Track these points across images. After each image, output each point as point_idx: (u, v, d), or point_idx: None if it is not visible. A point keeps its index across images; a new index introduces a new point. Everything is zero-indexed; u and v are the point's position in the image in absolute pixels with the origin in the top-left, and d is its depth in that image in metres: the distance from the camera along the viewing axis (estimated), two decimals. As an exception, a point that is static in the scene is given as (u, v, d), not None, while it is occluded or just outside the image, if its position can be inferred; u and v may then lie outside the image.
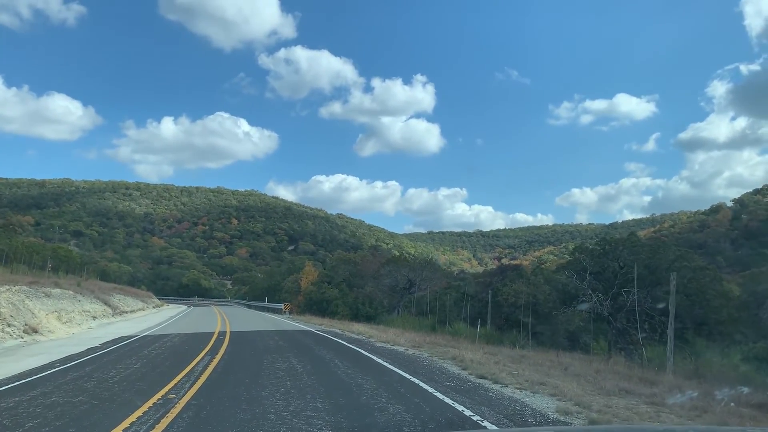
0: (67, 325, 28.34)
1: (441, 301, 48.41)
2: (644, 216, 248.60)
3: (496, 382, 10.52)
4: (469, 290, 43.91)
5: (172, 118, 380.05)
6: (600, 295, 28.86)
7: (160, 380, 10.37)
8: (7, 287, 25.47)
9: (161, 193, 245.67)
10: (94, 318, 35.34)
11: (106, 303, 43.29)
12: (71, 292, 36.95)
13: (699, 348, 27.25)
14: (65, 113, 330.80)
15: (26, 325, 23.32)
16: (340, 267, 62.59)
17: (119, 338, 21.73)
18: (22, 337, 21.86)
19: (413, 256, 56.07)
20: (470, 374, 11.48)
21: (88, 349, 17.32)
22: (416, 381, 10.36)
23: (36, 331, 23.47)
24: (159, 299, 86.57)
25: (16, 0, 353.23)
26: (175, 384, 9.99)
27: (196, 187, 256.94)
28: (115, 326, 31.19)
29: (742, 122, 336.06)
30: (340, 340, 19.96)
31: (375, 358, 14.07)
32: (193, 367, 12.03)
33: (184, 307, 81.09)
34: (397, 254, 54.34)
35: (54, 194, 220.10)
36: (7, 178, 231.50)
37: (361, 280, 60.40)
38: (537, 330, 37.27)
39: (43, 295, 29.62)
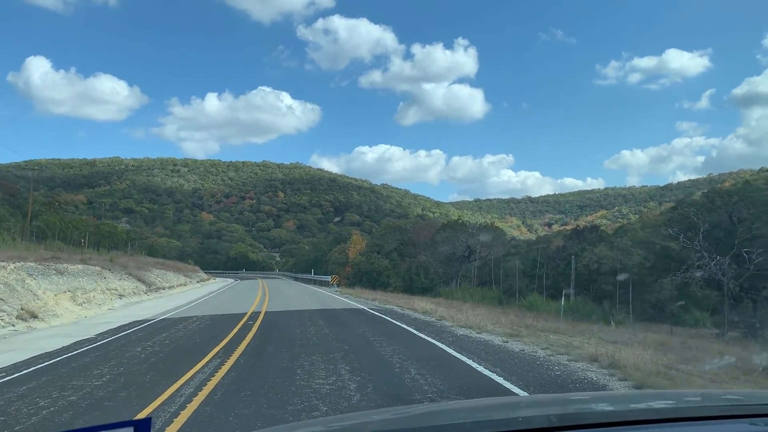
0: (82, 307, 24.38)
1: (504, 269, 43.12)
2: (701, 176, 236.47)
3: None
4: (540, 257, 38.41)
5: (215, 94, 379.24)
6: (717, 257, 23.04)
7: (103, 419, 5.70)
8: (3, 264, 21.52)
9: (209, 168, 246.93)
10: (121, 296, 31.60)
11: (139, 279, 39.77)
12: (98, 269, 33.37)
13: None
14: (112, 93, 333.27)
15: (22, 309, 19.28)
16: (390, 235, 57.67)
17: (129, 324, 17.45)
18: (14, 325, 17.81)
19: (470, 222, 50.60)
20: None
21: (73, 343, 12.98)
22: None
23: (35, 316, 19.44)
24: (206, 273, 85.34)
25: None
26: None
27: (243, 162, 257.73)
28: (140, 306, 27.20)
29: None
30: (404, 325, 15.03)
31: (473, 363, 8.84)
32: (178, 388, 7.30)
33: (230, 280, 79.08)
34: (454, 219, 48.97)
35: (104, 173, 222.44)
36: (59, 159, 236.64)
37: (413, 248, 55.54)
38: (623, 300, 31.70)
39: (55, 272, 25.73)
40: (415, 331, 13.26)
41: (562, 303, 26.34)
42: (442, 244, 44.25)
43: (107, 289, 30.89)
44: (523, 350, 10.23)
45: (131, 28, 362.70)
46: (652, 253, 29.10)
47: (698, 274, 23.18)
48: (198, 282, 62.55)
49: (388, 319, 16.94)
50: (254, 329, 13.94)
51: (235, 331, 13.56)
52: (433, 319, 16.88)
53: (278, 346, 10.78)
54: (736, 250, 23.17)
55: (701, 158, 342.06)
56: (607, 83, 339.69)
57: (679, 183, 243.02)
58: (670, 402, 1.96)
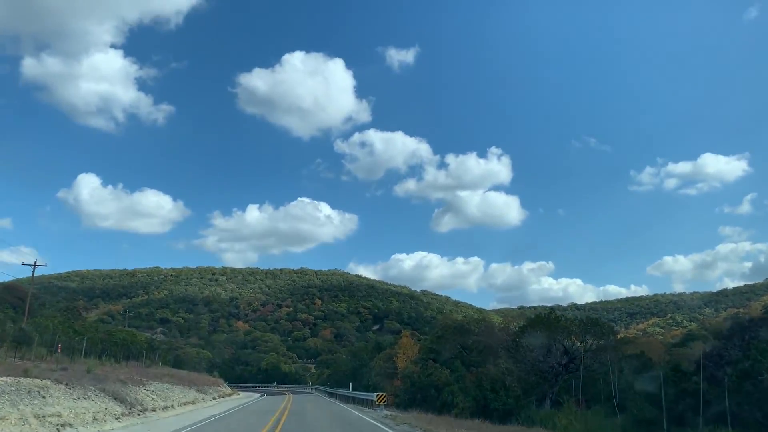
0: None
1: (619, 384, 30.48)
2: (755, 282, 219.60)
3: None
4: (686, 366, 25.79)
5: (256, 206, 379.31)
6: None
7: None
8: None
9: (246, 276, 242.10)
10: (64, 426, 20.64)
11: (117, 397, 28.88)
12: (43, 382, 23.19)
13: None
14: (156, 207, 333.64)
15: None
16: (449, 338, 45.63)
17: None
18: None
19: (564, 317, 38.38)
20: None
21: None
22: None
23: None
24: (232, 387, 76.82)
25: (111, 105, 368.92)
26: None
27: (280, 269, 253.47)
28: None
29: None
30: None
31: None
32: None
33: (255, 396, 69.62)
34: (546, 313, 36.57)
35: (143, 283, 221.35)
36: (100, 270, 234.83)
37: (479, 355, 43.30)
38: None
39: None
40: None
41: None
42: (531, 349, 31.94)
43: (38, 416, 19.93)
44: None
45: (177, 146, 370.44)
46: None
47: None
48: (214, 399, 51.17)
49: None
50: None
51: None
52: None
53: None
54: None
55: (748, 264, 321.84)
56: (643, 189, 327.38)
57: (735, 288, 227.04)
58: None
